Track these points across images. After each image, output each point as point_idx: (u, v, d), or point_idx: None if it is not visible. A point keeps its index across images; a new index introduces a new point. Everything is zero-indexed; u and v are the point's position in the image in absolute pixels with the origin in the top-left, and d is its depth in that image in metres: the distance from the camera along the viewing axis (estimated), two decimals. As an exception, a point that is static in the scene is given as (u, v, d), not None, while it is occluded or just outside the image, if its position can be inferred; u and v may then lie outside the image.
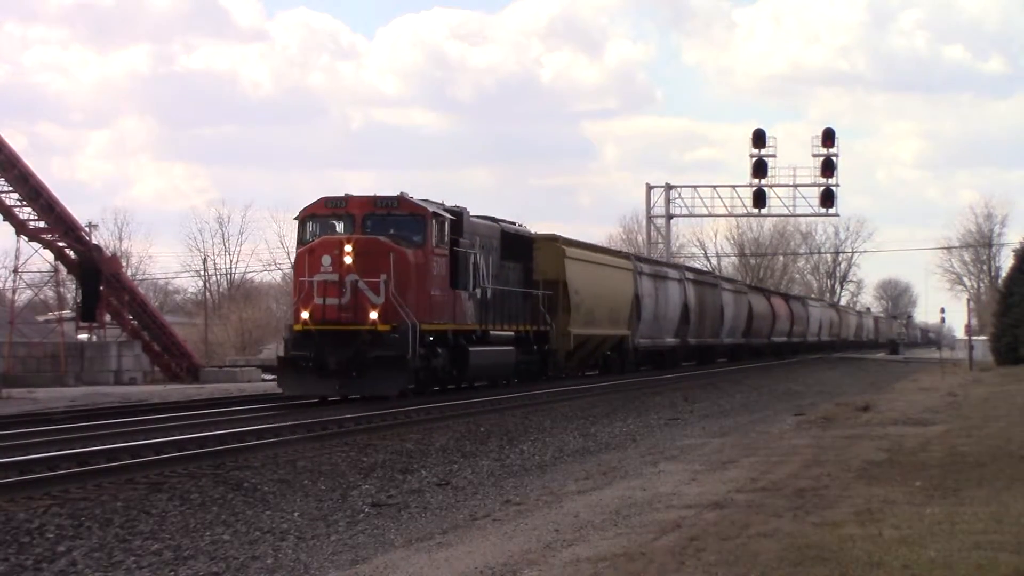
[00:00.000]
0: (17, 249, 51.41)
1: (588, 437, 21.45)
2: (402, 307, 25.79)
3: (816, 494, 12.59)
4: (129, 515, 12.47)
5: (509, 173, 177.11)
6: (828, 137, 64.27)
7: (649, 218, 72.29)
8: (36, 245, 50.73)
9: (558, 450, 19.45)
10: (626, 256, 49.64)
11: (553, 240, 38.67)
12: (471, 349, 29.51)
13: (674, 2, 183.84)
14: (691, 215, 72.57)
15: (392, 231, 26.93)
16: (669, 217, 70.44)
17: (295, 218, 28.07)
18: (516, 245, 33.56)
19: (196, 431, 19.91)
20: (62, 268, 55.43)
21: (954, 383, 39.58)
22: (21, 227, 48.82)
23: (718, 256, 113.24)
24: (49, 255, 53.56)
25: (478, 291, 29.99)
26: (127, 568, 10.35)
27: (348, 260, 25.71)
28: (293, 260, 29.93)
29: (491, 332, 30.82)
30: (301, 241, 27.47)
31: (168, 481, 14.67)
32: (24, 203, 48.20)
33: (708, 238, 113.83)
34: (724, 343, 61.57)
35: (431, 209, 27.49)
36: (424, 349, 26.81)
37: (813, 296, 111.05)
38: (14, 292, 59.72)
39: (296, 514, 12.98)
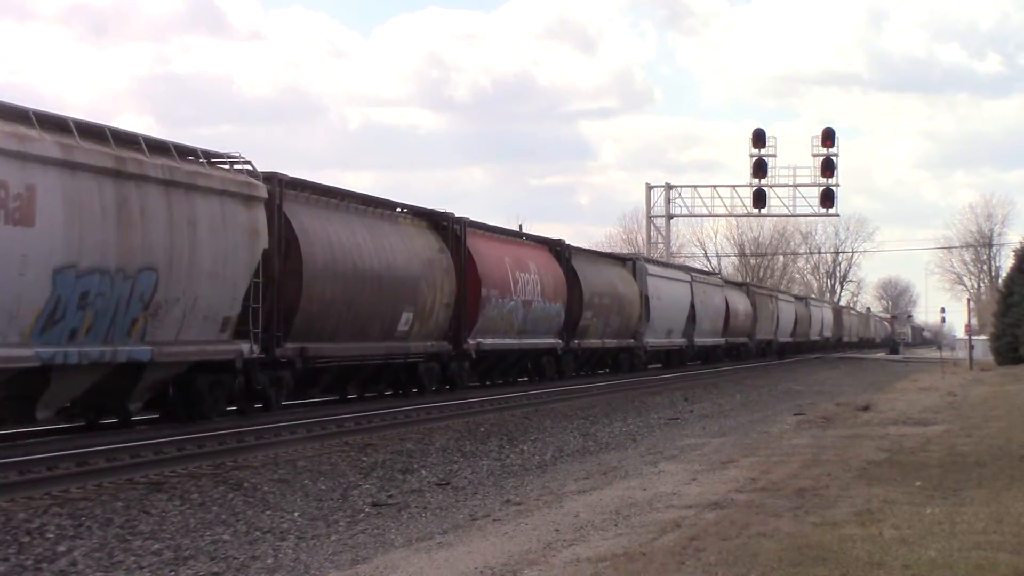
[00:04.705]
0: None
1: (588, 437, 21.44)
2: None
3: (816, 494, 12.58)
4: (129, 515, 12.48)
5: (507, 173, 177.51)
6: (828, 137, 64.26)
7: (649, 218, 72.27)
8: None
9: (558, 450, 19.44)
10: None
11: None
12: None
13: (671, 1, 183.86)
14: (691, 215, 72.70)
15: None
16: (669, 217, 70.45)
17: None
18: None
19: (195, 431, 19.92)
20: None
21: (954, 383, 39.55)
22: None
23: (718, 256, 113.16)
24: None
25: None
26: (127, 568, 10.34)
27: None
28: None
29: None
30: None
31: (168, 481, 14.69)
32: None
33: (708, 238, 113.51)
34: (370, 355, 26.02)
35: None
36: None
37: (703, 269, 72.27)
38: None
39: (296, 514, 12.98)
